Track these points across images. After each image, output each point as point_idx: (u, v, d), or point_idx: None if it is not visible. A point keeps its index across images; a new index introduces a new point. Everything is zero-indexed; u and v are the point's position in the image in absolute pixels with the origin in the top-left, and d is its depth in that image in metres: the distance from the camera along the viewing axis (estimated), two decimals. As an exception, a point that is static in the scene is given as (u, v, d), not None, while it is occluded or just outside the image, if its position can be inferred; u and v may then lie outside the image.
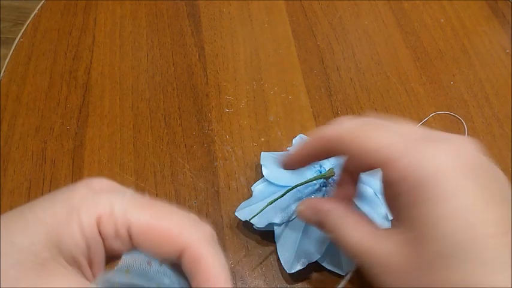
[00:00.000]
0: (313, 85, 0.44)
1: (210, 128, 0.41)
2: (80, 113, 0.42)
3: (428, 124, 0.41)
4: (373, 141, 0.22)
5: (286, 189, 0.32)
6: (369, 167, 0.23)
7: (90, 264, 0.18)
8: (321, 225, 0.26)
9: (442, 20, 0.49)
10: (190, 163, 0.39)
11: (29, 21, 0.50)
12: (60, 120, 0.42)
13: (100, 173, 0.38)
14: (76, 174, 0.38)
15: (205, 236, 0.18)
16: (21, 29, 0.49)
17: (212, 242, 0.18)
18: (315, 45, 0.47)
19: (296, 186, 0.32)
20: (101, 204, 0.18)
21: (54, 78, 0.45)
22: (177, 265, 0.18)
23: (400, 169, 0.20)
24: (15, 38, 0.48)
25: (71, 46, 0.47)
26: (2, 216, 0.18)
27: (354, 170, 0.26)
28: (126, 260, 0.18)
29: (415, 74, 0.45)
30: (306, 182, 0.32)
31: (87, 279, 0.18)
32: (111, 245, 0.18)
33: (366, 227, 0.23)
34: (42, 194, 0.38)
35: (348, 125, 0.23)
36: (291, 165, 0.28)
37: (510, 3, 0.51)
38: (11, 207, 0.37)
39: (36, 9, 0.51)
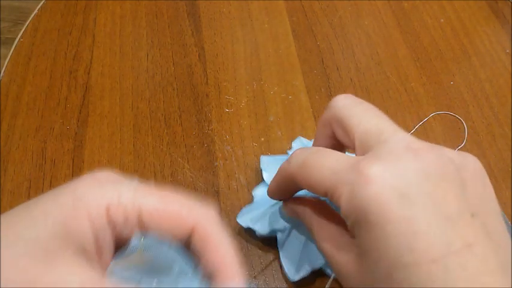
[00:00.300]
0: (313, 85, 0.44)
1: (210, 128, 0.41)
2: (80, 113, 0.42)
3: (428, 124, 0.41)
4: (315, 175, 0.22)
5: None
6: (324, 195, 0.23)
7: (99, 253, 0.18)
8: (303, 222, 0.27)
9: (442, 20, 0.49)
10: (190, 163, 0.39)
11: (29, 21, 0.50)
12: (60, 120, 0.42)
13: (100, 173, 0.38)
14: (76, 174, 0.38)
15: (211, 216, 0.19)
16: (21, 29, 0.49)
17: (218, 222, 0.19)
18: (315, 45, 0.47)
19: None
20: (109, 193, 0.18)
21: (54, 78, 0.45)
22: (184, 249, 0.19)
23: (340, 199, 0.20)
24: (15, 38, 0.48)
25: (71, 46, 0.47)
26: (8, 212, 0.18)
27: None
28: (137, 244, 0.19)
29: (415, 74, 0.45)
30: None
31: (96, 268, 0.18)
32: (120, 233, 0.18)
33: (333, 232, 0.24)
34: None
35: (296, 159, 0.24)
36: (276, 198, 0.30)
37: (510, 3, 0.51)
38: (11, 207, 0.37)
39: (36, 9, 0.51)
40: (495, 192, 0.37)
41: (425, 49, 0.47)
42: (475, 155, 0.39)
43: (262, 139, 0.40)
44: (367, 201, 0.19)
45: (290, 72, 0.45)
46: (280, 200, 0.30)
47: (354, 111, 0.24)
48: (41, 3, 0.51)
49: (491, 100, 0.43)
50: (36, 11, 0.50)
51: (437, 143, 0.40)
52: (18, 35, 0.48)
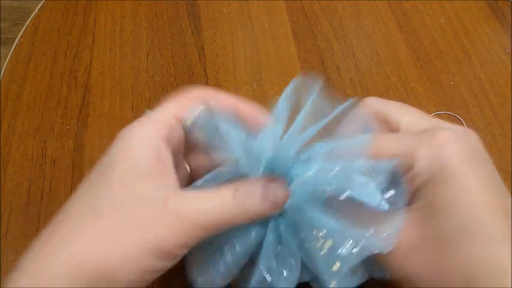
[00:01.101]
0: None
1: (210, 128, 0.41)
2: (80, 113, 0.42)
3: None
4: (383, 141, 0.24)
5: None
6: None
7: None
8: None
9: (442, 20, 0.49)
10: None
11: (29, 21, 0.50)
12: (60, 120, 0.42)
13: (100, 173, 0.38)
14: (76, 174, 0.38)
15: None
16: (21, 29, 0.49)
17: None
18: (315, 45, 0.47)
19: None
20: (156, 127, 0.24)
21: (54, 78, 0.45)
22: None
23: (417, 157, 0.22)
24: (15, 38, 0.48)
25: (71, 46, 0.47)
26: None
27: None
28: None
29: (415, 74, 0.45)
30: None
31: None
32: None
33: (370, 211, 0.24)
34: (42, 194, 0.38)
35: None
36: None
37: (510, 3, 0.51)
38: (11, 207, 0.37)
39: (36, 9, 0.51)
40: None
41: (425, 49, 0.47)
42: (475, 155, 0.39)
43: (262, 139, 0.40)
44: (447, 159, 0.21)
45: (290, 72, 0.45)
46: None
47: (392, 105, 0.26)
48: (41, 3, 0.51)
49: (491, 100, 0.43)
50: (36, 11, 0.50)
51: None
52: (18, 35, 0.48)
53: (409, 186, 0.23)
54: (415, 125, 0.25)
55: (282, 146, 0.25)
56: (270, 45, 0.47)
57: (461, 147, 0.22)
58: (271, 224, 0.26)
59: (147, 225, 0.20)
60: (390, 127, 0.25)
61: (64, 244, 0.20)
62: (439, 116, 0.42)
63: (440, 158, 0.21)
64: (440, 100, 0.43)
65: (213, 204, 0.21)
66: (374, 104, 0.27)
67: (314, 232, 0.24)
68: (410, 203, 0.23)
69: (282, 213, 0.26)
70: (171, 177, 0.23)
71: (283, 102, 0.27)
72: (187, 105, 0.25)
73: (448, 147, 0.21)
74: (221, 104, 0.25)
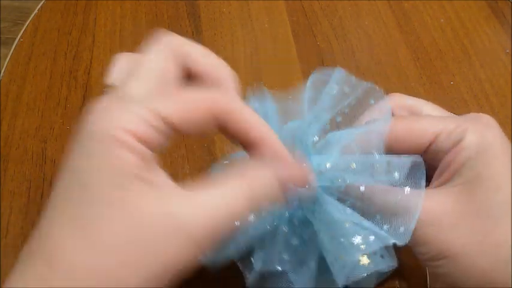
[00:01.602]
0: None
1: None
2: (80, 113, 0.42)
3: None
4: (422, 122, 0.25)
5: None
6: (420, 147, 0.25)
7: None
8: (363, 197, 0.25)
9: (442, 20, 0.49)
10: (190, 163, 0.39)
11: (29, 21, 0.50)
12: (60, 120, 0.42)
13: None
14: (76, 174, 0.38)
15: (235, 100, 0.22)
16: (21, 29, 0.49)
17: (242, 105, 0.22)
18: (315, 45, 0.47)
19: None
20: (122, 118, 0.18)
21: (54, 78, 0.45)
22: None
23: (467, 132, 0.23)
24: (15, 38, 0.48)
25: (71, 46, 0.47)
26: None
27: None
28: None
29: (415, 74, 0.45)
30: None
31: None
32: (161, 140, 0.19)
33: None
34: (42, 194, 0.38)
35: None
36: None
37: (510, 3, 0.51)
38: (11, 207, 0.37)
39: (36, 9, 0.51)
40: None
41: (425, 49, 0.47)
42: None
43: (262, 139, 0.40)
44: (493, 138, 0.23)
45: (290, 72, 0.45)
46: None
47: (415, 99, 0.28)
48: (41, 3, 0.51)
49: (491, 100, 0.43)
50: (36, 11, 0.50)
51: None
52: (18, 35, 0.48)
53: (456, 160, 0.23)
54: (439, 114, 0.27)
55: (303, 132, 0.25)
56: (270, 45, 0.47)
57: (501, 131, 0.24)
58: (287, 214, 0.26)
59: (157, 251, 0.17)
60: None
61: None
62: (439, 116, 0.42)
63: (487, 136, 0.23)
64: (440, 100, 0.43)
65: (219, 211, 0.18)
66: (398, 97, 0.28)
67: (330, 224, 0.24)
68: (447, 181, 0.23)
69: (299, 205, 0.25)
70: (161, 174, 0.19)
71: (307, 93, 0.26)
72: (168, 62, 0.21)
73: (493, 128, 0.23)
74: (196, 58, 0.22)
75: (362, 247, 0.22)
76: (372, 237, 0.22)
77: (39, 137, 0.41)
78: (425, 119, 0.26)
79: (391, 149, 0.25)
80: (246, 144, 0.21)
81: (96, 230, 0.17)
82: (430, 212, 0.22)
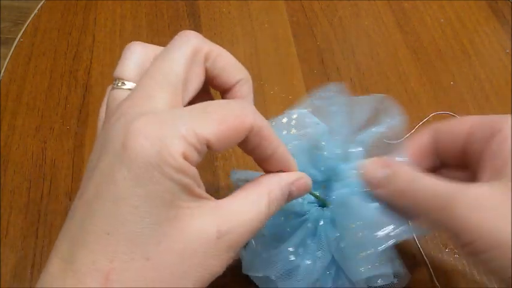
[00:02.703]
0: (313, 85, 0.44)
1: (210, 128, 0.41)
2: (80, 113, 0.42)
3: (428, 124, 0.41)
4: (456, 125, 0.25)
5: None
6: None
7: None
8: (387, 180, 0.25)
9: (442, 20, 0.49)
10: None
11: (29, 21, 0.50)
12: (60, 120, 0.42)
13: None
14: (76, 174, 0.38)
15: (260, 118, 0.22)
16: (21, 29, 0.49)
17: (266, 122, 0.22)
18: (315, 45, 0.47)
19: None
20: (175, 139, 0.19)
21: (54, 78, 0.45)
22: None
23: (508, 123, 0.23)
24: (15, 38, 0.48)
25: (71, 46, 0.47)
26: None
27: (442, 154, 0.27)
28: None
29: (415, 74, 0.45)
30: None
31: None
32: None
33: (444, 179, 0.23)
34: (42, 194, 0.38)
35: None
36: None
37: (510, 3, 0.51)
38: (11, 208, 0.37)
39: (36, 9, 0.51)
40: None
41: (425, 49, 0.47)
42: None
43: (262, 139, 0.40)
44: None
45: (290, 72, 0.45)
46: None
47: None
48: (41, 3, 0.51)
49: (491, 100, 0.43)
50: (36, 11, 0.50)
51: (437, 143, 0.40)
52: (18, 35, 0.48)
53: (502, 150, 0.22)
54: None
55: (330, 148, 0.27)
56: (270, 45, 0.47)
57: None
58: (310, 217, 0.28)
59: (206, 263, 0.19)
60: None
61: None
62: (439, 115, 0.42)
63: None
64: (440, 100, 0.43)
65: (250, 218, 0.20)
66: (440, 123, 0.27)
67: (351, 223, 0.26)
68: (498, 172, 0.22)
69: (322, 208, 0.28)
70: (203, 188, 0.20)
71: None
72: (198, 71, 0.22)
73: None
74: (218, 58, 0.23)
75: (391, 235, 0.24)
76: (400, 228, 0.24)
77: (39, 137, 0.41)
78: (459, 119, 0.26)
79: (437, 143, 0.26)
80: (261, 157, 0.22)
81: (153, 247, 0.18)
82: (474, 196, 0.21)
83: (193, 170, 0.19)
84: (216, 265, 0.19)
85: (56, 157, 0.39)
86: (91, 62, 0.46)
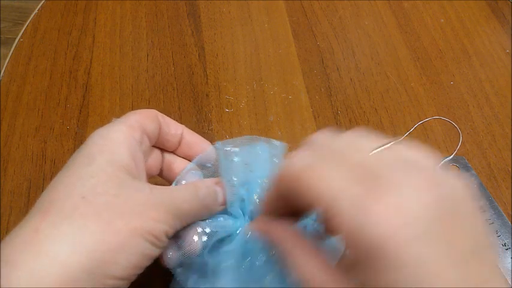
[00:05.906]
0: (313, 85, 0.44)
1: (210, 128, 0.41)
2: (80, 113, 0.42)
3: (428, 124, 0.41)
4: (320, 186, 0.19)
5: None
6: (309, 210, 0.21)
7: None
8: (273, 246, 0.24)
9: (442, 20, 0.49)
10: (190, 163, 0.39)
11: (29, 21, 0.50)
12: (60, 120, 0.42)
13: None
14: (76, 174, 0.38)
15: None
16: (21, 29, 0.49)
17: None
18: (315, 45, 0.47)
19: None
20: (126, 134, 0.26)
21: (54, 78, 0.45)
22: None
23: (342, 227, 0.17)
24: (15, 38, 0.48)
25: (71, 46, 0.47)
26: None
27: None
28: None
29: (415, 74, 0.45)
30: None
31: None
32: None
33: (320, 267, 0.20)
34: (42, 194, 0.38)
35: (302, 160, 0.20)
36: (268, 210, 0.25)
37: (510, 3, 0.51)
38: (11, 207, 0.37)
39: (36, 9, 0.51)
40: (495, 193, 0.37)
41: (425, 49, 0.47)
42: (475, 155, 0.40)
43: (262, 139, 0.40)
44: (378, 241, 0.16)
45: (290, 72, 0.45)
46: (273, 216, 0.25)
47: None
48: (41, 3, 0.51)
49: (491, 100, 0.43)
50: (36, 11, 0.50)
51: (437, 143, 0.40)
52: (18, 35, 0.48)
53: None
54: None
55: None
56: (270, 45, 0.47)
57: (403, 223, 0.17)
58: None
59: (138, 211, 0.22)
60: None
61: (57, 232, 0.21)
62: (434, 121, 0.42)
63: (371, 236, 0.17)
64: (440, 100, 0.43)
65: (185, 196, 0.25)
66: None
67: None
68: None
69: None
70: (143, 177, 0.25)
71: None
72: (147, 118, 0.28)
73: (382, 224, 0.17)
74: (169, 126, 0.30)
75: None
76: None
77: (39, 137, 0.41)
78: (322, 181, 0.19)
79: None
80: (171, 144, 0.30)
81: (95, 195, 0.22)
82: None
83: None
84: (154, 220, 0.23)
85: (56, 157, 0.39)
86: (91, 62, 0.46)
